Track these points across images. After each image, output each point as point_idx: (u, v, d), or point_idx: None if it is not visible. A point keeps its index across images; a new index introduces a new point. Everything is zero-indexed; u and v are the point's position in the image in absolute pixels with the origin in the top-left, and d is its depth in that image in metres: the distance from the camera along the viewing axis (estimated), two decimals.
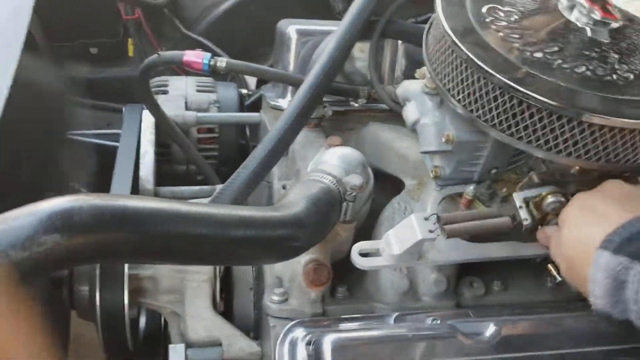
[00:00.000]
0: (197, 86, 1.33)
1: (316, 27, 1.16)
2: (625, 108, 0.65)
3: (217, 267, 0.98)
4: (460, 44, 0.71)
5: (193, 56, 1.08)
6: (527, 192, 0.77)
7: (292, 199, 0.77)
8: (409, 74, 1.14)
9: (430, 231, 0.72)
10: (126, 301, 0.91)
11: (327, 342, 0.67)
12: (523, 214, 0.75)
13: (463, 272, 0.88)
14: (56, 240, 0.52)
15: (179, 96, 1.28)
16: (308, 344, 0.71)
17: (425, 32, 0.85)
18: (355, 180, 0.82)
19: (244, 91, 1.42)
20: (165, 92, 1.29)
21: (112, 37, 1.59)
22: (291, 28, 1.14)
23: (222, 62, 1.08)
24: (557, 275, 0.77)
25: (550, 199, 0.75)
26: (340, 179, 0.81)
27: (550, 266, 0.77)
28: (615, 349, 0.71)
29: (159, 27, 1.62)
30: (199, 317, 0.94)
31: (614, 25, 0.73)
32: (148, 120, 1.19)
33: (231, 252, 0.67)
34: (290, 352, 0.76)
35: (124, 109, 1.31)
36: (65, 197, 0.56)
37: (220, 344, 0.93)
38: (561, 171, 0.80)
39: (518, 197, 0.76)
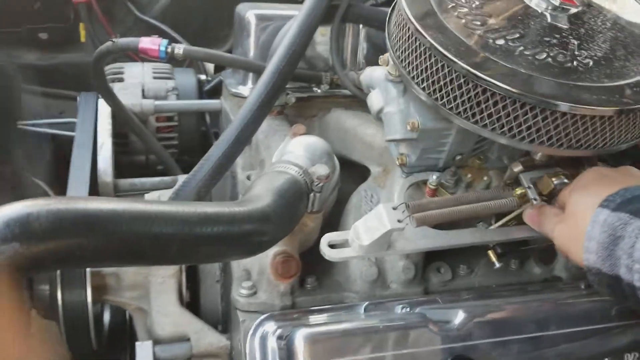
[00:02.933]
0: (154, 73, 1.29)
1: (276, 12, 1.13)
2: (585, 94, 0.65)
3: None
4: (422, 31, 0.71)
5: (149, 43, 1.04)
6: (532, 173, 0.77)
7: (258, 192, 0.75)
8: (371, 59, 1.14)
9: (399, 221, 0.72)
10: (89, 299, 0.89)
11: (299, 337, 0.67)
12: (532, 194, 0.76)
13: (430, 258, 0.89)
14: (15, 248, 0.50)
15: (136, 84, 1.24)
16: (279, 338, 0.70)
17: (387, 18, 0.84)
18: (321, 170, 0.81)
19: (203, 77, 1.39)
20: (121, 80, 1.26)
21: (63, 21, 1.52)
22: (250, 13, 1.11)
23: (180, 49, 1.05)
24: (496, 262, 0.79)
25: (554, 180, 0.75)
26: (306, 169, 0.80)
27: (490, 252, 0.79)
28: (584, 330, 0.73)
29: (111, 10, 1.56)
30: (166, 313, 0.93)
31: (573, 10, 0.74)
32: (104, 109, 1.16)
33: (197, 251, 0.65)
34: (261, 347, 0.76)
35: (78, 98, 1.26)
36: (21, 203, 0.53)
37: (188, 339, 0.92)
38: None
39: (525, 177, 0.77)
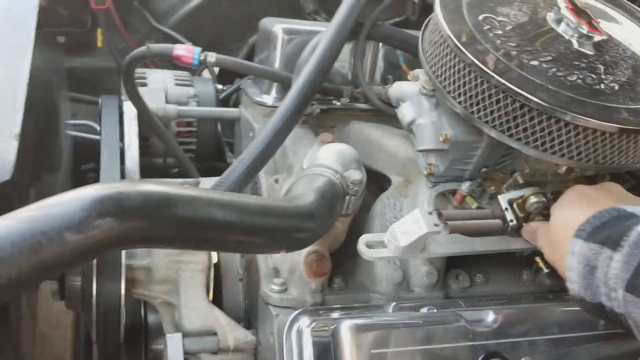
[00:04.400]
0: (176, 80, 1.33)
1: (301, 27, 1.19)
2: (613, 114, 0.72)
3: (211, 257, 1.00)
4: (463, 49, 0.77)
5: (183, 50, 1.09)
6: (511, 194, 0.84)
7: (300, 191, 0.80)
8: (385, 77, 1.20)
9: (435, 225, 0.77)
10: (123, 292, 0.92)
11: (345, 327, 0.71)
12: (509, 216, 0.82)
13: (449, 266, 0.94)
14: (110, 224, 0.53)
15: (159, 89, 1.28)
16: (315, 331, 0.74)
17: (420, 36, 0.90)
18: (355, 175, 0.86)
19: (220, 86, 1.43)
20: (144, 85, 1.29)
21: (81, 26, 1.55)
22: (278, 26, 1.16)
23: (212, 57, 1.10)
24: (544, 267, 0.84)
25: (533, 199, 0.82)
26: (342, 173, 0.85)
27: (537, 259, 0.84)
28: (593, 335, 0.79)
29: (128, 18, 1.60)
30: (195, 307, 0.96)
31: (597, 38, 0.81)
32: (131, 111, 1.19)
33: (253, 240, 0.69)
34: (297, 340, 0.79)
35: (100, 100, 1.29)
36: (110, 184, 0.57)
37: (215, 334, 0.95)
38: (542, 172, 0.88)
39: (503, 199, 0.84)
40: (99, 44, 1.58)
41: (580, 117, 0.71)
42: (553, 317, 0.79)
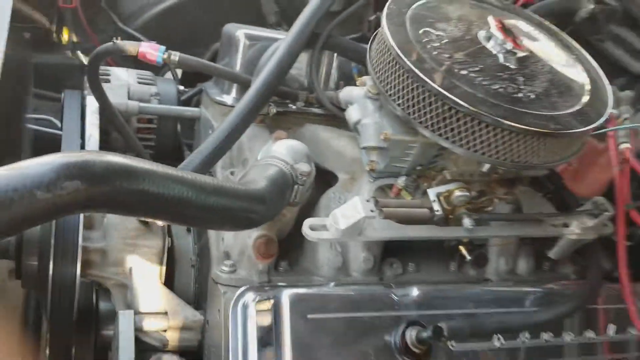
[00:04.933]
0: (139, 78, 1.39)
1: (262, 34, 1.28)
2: (529, 118, 0.83)
3: (165, 242, 1.06)
4: (404, 57, 0.87)
5: (148, 47, 1.16)
6: (439, 188, 0.94)
7: (253, 178, 0.88)
8: (338, 85, 1.30)
9: (372, 210, 0.86)
10: (78, 272, 0.96)
11: (285, 295, 0.79)
12: (436, 207, 0.92)
13: (385, 254, 1.03)
14: (77, 186, 0.60)
15: (122, 85, 1.33)
16: (266, 302, 0.82)
17: (369, 46, 1.00)
18: (304, 167, 0.94)
19: (181, 87, 1.50)
20: (107, 81, 1.34)
21: (46, 23, 1.60)
22: (240, 32, 1.24)
23: (176, 56, 1.17)
24: (467, 255, 0.94)
25: (457, 193, 0.92)
26: (292, 165, 0.93)
27: (461, 247, 0.94)
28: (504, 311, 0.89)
29: (95, 18, 1.65)
30: (147, 288, 1.02)
31: (520, 54, 0.92)
32: (93, 105, 1.24)
33: (206, 216, 0.76)
34: (242, 313, 0.86)
35: (62, 95, 1.34)
36: (76, 152, 0.64)
37: (165, 313, 1.01)
38: (469, 173, 0.98)
39: (431, 192, 0.94)
40: (64, 42, 1.62)
41: (499, 119, 0.81)
42: (469, 295, 0.89)
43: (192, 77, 1.59)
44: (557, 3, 1.29)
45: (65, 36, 1.61)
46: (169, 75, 1.61)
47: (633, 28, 1.31)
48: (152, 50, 1.15)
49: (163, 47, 1.16)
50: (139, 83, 1.38)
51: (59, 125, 1.41)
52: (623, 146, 1.04)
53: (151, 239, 1.04)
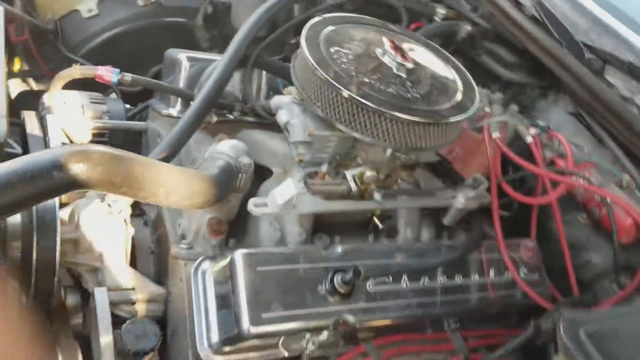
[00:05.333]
0: (90, 99, 1.58)
1: (200, 56, 1.51)
2: (417, 112, 1.10)
3: (129, 231, 1.25)
4: (320, 71, 1.12)
5: (104, 70, 1.36)
6: (353, 170, 1.19)
7: (205, 167, 1.10)
8: (267, 97, 1.54)
9: (302, 188, 1.10)
10: (58, 249, 1.13)
11: (239, 253, 1.01)
12: (352, 185, 1.17)
13: (315, 230, 1.26)
14: (79, 170, 0.80)
15: (77, 105, 1.52)
16: (221, 261, 1.04)
17: (292, 63, 1.25)
18: (246, 159, 1.17)
19: (128, 106, 1.69)
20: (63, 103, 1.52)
21: None
22: (182, 55, 1.47)
23: (128, 76, 1.37)
24: (379, 224, 1.20)
25: (368, 173, 1.18)
26: (235, 158, 1.16)
27: (374, 217, 1.20)
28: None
29: (43, 48, 1.82)
30: (117, 269, 1.20)
31: (409, 66, 1.19)
32: (55, 125, 1.41)
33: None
34: (202, 278, 1.08)
35: (22, 115, 1.50)
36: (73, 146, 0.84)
37: (133, 289, 1.20)
38: (378, 160, 1.24)
39: (348, 174, 1.19)
40: (15, 70, 1.78)
41: (395, 114, 1.08)
42: (382, 249, 1.15)
43: (135, 97, 1.78)
44: (439, 27, 1.60)
45: (17, 65, 1.77)
46: (112, 95, 1.80)
47: (502, 43, 1.63)
48: (107, 73, 1.35)
49: (117, 70, 1.36)
50: (91, 103, 1.56)
51: (14, 146, 1.56)
52: (494, 135, 1.34)
53: (117, 229, 1.23)
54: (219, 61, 1.37)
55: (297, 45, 1.37)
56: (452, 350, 1.21)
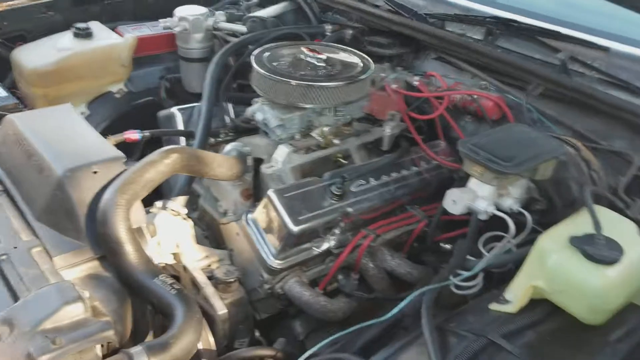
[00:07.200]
0: None
1: (184, 106, 2.14)
2: (338, 79, 1.78)
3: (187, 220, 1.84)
4: (269, 75, 1.79)
5: (130, 134, 1.96)
6: (316, 130, 1.85)
7: (226, 156, 1.73)
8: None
9: (291, 149, 1.74)
10: None
11: (271, 191, 1.62)
12: (319, 139, 1.83)
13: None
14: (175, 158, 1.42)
15: None
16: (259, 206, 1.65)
17: (253, 81, 1.91)
18: (245, 149, 1.80)
19: None
20: None
21: None
22: (173, 109, 2.11)
23: (147, 132, 1.98)
24: (342, 160, 1.85)
25: (324, 129, 1.84)
26: (239, 150, 1.79)
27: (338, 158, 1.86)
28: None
29: None
30: (192, 252, 1.78)
31: (324, 58, 1.88)
32: None
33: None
34: (252, 222, 1.68)
35: None
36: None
37: (207, 256, 1.77)
38: (327, 120, 1.90)
39: (313, 133, 1.84)
40: None
41: (323, 84, 1.76)
42: (354, 168, 1.80)
43: None
44: (332, 37, 2.32)
45: None
46: None
47: (376, 34, 2.36)
48: (133, 134, 1.96)
49: (139, 130, 1.97)
50: None
51: None
52: (394, 86, 2.04)
53: (184, 226, 1.81)
54: (200, 105, 2.01)
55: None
56: (418, 220, 1.85)
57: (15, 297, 1.10)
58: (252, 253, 1.69)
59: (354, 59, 1.98)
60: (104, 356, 1.07)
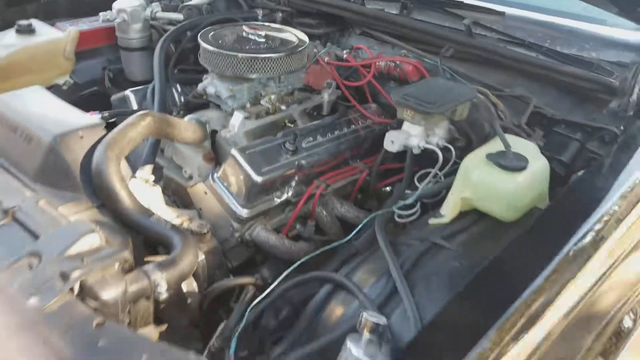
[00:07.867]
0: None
1: (136, 88, 2.31)
2: (279, 51, 2.03)
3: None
4: (217, 49, 2.00)
5: (92, 114, 2.12)
6: (265, 99, 2.08)
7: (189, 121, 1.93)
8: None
9: (244, 114, 1.97)
10: None
11: (234, 150, 1.84)
12: (268, 105, 2.07)
13: None
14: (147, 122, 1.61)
15: None
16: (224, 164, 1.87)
17: (201, 59, 2.11)
18: (202, 118, 2.01)
19: None
20: None
21: None
22: (127, 92, 2.26)
23: (106, 113, 2.14)
24: (290, 125, 2.10)
25: (272, 97, 2.08)
26: (198, 119, 2.00)
27: (286, 123, 2.10)
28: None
29: None
30: (164, 214, 1.96)
31: (263, 34, 2.12)
32: None
33: None
34: (218, 180, 1.89)
35: None
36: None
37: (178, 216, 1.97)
38: (272, 89, 2.14)
39: (262, 101, 2.08)
40: None
41: (270, 55, 2.00)
42: (303, 128, 2.05)
43: None
44: (265, 20, 2.55)
45: None
46: None
47: (305, 16, 2.62)
48: (94, 116, 2.11)
49: (98, 111, 2.12)
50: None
51: None
52: (326, 59, 2.30)
53: (155, 192, 1.99)
54: (149, 86, 2.20)
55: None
56: (360, 170, 2.13)
57: (36, 238, 1.27)
58: (221, 207, 1.90)
59: (290, 36, 2.23)
60: None
